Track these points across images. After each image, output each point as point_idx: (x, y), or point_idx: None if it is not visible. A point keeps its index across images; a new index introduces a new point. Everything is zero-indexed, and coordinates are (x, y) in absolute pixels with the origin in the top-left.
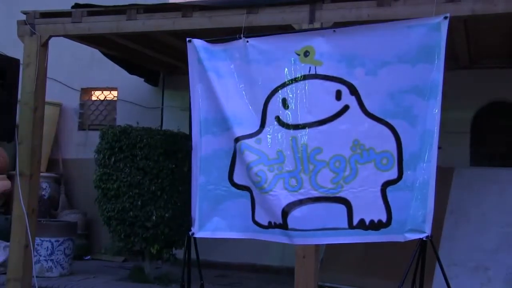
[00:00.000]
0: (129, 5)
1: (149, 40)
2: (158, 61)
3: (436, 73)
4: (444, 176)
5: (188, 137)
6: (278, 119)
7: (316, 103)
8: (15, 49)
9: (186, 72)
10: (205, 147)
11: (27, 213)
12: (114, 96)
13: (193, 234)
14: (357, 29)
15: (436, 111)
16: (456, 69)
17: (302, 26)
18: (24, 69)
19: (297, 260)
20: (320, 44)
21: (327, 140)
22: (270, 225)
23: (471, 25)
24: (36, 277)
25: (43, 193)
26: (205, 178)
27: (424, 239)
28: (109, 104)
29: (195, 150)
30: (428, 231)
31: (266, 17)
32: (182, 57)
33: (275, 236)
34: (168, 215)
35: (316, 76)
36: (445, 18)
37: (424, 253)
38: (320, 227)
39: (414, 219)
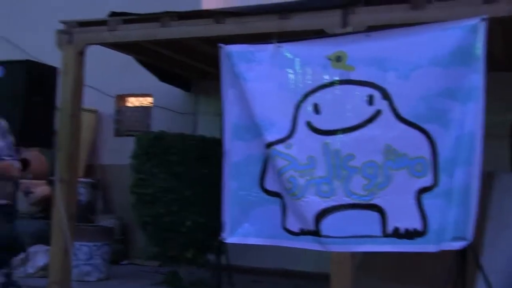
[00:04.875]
0: (163, 12)
1: (182, 47)
2: (191, 67)
3: (474, 75)
4: (484, 181)
5: (221, 143)
6: (309, 124)
7: (348, 108)
8: (54, 58)
9: (219, 78)
10: (236, 152)
11: (66, 218)
12: (148, 102)
13: (224, 239)
14: (390, 32)
15: (477, 114)
16: (493, 71)
17: (335, 31)
18: (62, 77)
19: (332, 266)
20: (352, 49)
21: (360, 146)
22: (302, 232)
23: (509, 26)
24: (75, 281)
25: (81, 198)
26: (236, 184)
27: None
28: (144, 110)
29: (227, 155)
30: (470, 238)
31: (298, 22)
32: (215, 63)
33: (307, 243)
34: (202, 221)
35: (348, 81)
36: (483, 20)
37: (465, 261)
38: (353, 234)
39: (456, 226)
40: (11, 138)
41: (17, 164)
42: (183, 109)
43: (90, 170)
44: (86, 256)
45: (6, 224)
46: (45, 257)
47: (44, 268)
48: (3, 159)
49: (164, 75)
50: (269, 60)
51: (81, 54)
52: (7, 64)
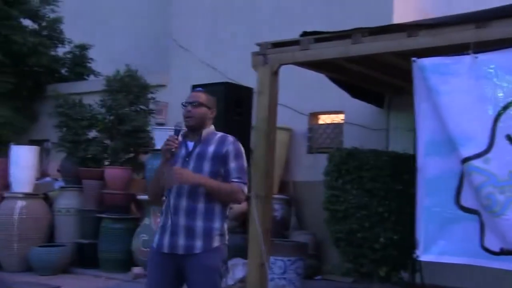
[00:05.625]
0: (354, 29)
1: (373, 62)
2: (383, 82)
3: None
4: None
5: (414, 158)
6: (510, 137)
7: None
8: (248, 78)
9: (411, 92)
10: (431, 168)
11: (262, 233)
12: (340, 119)
13: (417, 257)
14: None
15: None
16: None
17: None
18: (257, 96)
19: None
20: None
21: None
22: (503, 252)
23: None
24: None
25: (275, 214)
26: (430, 200)
27: None
28: (336, 127)
29: (421, 171)
30: None
31: (496, 30)
32: (407, 77)
33: (508, 264)
34: (396, 237)
35: None
36: None
37: None
38: None
39: None
40: (243, 161)
41: (245, 188)
42: (376, 125)
43: (284, 186)
44: (281, 270)
45: None
46: (243, 270)
47: (243, 280)
48: (233, 181)
49: (356, 92)
50: (465, 72)
51: (275, 74)
52: (207, 86)
